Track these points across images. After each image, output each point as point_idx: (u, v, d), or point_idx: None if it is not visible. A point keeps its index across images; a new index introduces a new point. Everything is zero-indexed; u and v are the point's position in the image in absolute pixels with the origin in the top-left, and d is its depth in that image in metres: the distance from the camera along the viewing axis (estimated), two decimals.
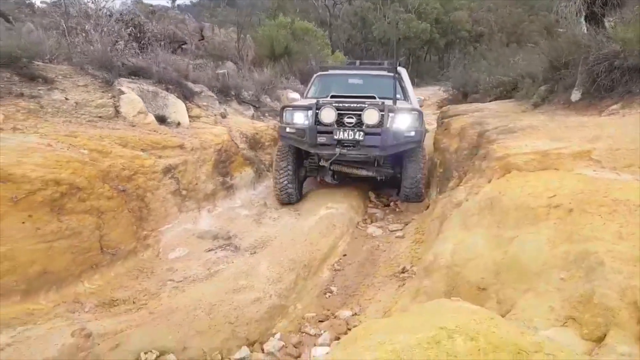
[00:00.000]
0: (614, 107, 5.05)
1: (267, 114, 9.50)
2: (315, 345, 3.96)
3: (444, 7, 37.95)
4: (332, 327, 4.19)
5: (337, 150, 5.90)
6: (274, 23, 15.62)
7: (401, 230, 6.02)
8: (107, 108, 5.86)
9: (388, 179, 6.96)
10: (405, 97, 7.10)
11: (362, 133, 5.85)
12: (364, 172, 6.60)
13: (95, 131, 5.28)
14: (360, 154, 5.99)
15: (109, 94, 6.06)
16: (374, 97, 6.48)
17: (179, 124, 6.82)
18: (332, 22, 37.53)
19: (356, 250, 5.62)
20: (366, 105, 5.92)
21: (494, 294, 3.21)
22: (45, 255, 3.98)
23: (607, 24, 7.29)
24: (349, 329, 4.14)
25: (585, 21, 7.57)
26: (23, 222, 3.87)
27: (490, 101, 11.38)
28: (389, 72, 7.40)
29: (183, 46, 11.89)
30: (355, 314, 4.40)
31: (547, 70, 7.32)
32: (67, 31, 7.80)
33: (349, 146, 5.92)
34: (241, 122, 8.00)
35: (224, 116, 8.00)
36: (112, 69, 6.76)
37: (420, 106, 7.32)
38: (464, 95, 15.83)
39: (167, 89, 7.32)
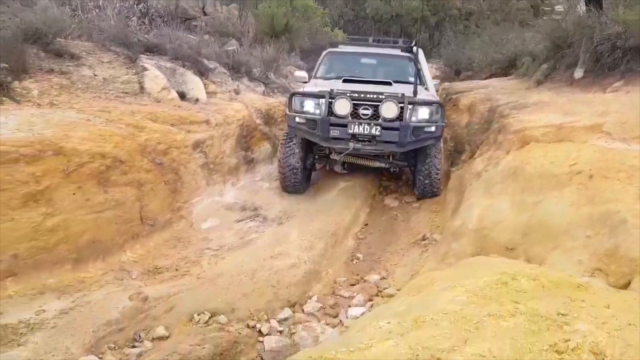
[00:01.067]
0: (617, 84, 5.28)
1: (275, 91, 9.58)
2: (350, 306, 4.19)
3: None
4: (364, 290, 4.42)
5: (351, 144, 5.38)
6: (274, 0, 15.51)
7: (417, 201, 6.24)
8: (133, 84, 5.93)
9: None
10: (422, 82, 6.33)
11: (379, 127, 5.30)
12: (376, 164, 6.10)
13: (125, 107, 5.37)
14: (376, 149, 5.55)
15: (133, 70, 6.12)
16: (389, 84, 5.98)
17: (197, 100, 6.90)
18: None
19: (376, 220, 5.85)
20: (384, 97, 5.34)
21: (523, 253, 3.46)
22: (94, 225, 4.13)
23: (604, 5, 7.48)
24: (380, 292, 4.40)
25: (586, 3, 7.74)
26: (74, 194, 4.00)
27: (485, 78, 11.59)
28: (403, 51, 7.22)
29: (193, 22, 11.82)
30: (384, 277, 4.64)
31: (550, 49, 7.50)
32: (80, 8, 7.77)
33: (364, 141, 5.39)
34: (254, 98, 8.09)
35: (237, 92, 8.09)
36: (130, 45, 6.78)
37: (437, 91, 6.86)
38: (456, 72, 15.99)
39: (183, 66, 7.36)
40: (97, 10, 7.91)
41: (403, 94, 5.41)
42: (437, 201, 5.88)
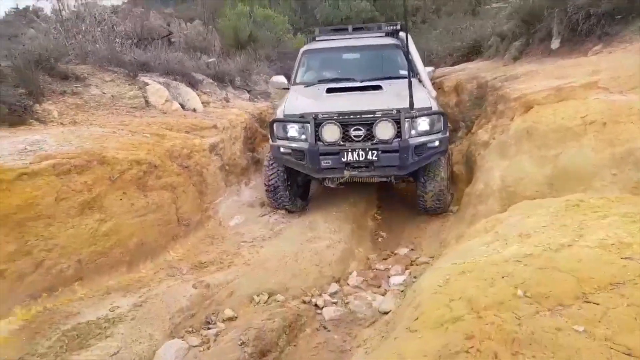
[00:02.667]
0: (596, 48, 5.91)
1: (259, 97, 9.92)
2: (389, 276, 4.59)
3: None
4: (398, 262, 4.83)
5: (347, 173, 4.91)
6: (235, 12, 15.86)
7: None
8: (139, 99, 6.18)
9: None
10: (414, 73, 5.62)
11: (375, 152, 4.79)
12: (376, 179, 5.27)
13: (139, 119, 5.63)
14: (374, 174, 5.01)
15: (136, 86, 6.37)
16: (379, 87, 5.45)
17: (195, 109, 7.18)
18: (274, 8, 37.65)
19: (388, 199, 6.28)
20: (378, 117, 4.79)
21: None
22: (140, 228, 4.39)
23: None
24: (413, 262, 4.81)
25: None
26: (120, 199, 4.26)
27: (451, 65, 12.28)
28: (388, 36, 6.71)
29: (172, 39, 12.03)
30: (412, 249, 5.07)
31: (520, 26, 8.11)
32: (64, 35, 7.93)
33: (361, 167, 4.90)
34: (244, 104, 8.42)
35: (227, 100, 8.40)
36: (123, 65, 7.02)
37: (430, 80, 6.21)
38: None
39: (175, 79, 7.63)
40: (79, 36, 8.07)
41: (399, 110, 4.79)
42: None
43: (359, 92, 5.42)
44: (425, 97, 5.16)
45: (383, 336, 2.92)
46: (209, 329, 3.63)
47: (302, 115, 5.02)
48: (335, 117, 4.85)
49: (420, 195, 5.39)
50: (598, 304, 1.76)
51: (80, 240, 3.85)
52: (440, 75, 8.30)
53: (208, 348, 3.34)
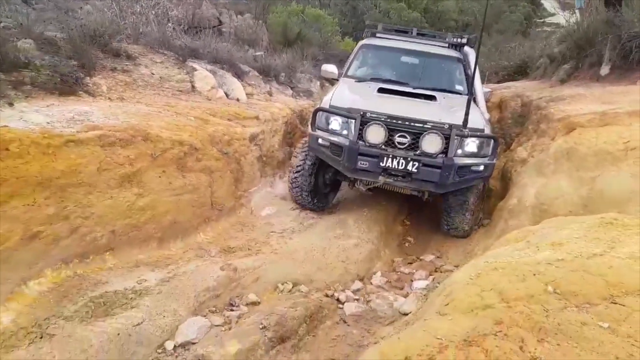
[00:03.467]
0: None
1: (301, 94, 10.02)
2: (412, 280, 4.56)
3: None
4: (422, 267, 4.82)
5: (381, 179, 4.70)
6: (286, 10, 16.07)
7: None
8: (186, 83, 6.33)
9: None
10: (470, 91, 5.14)
11: (417, 164, 4.57)
12: (408, 191, 5.05)
13: (184, 103, 5.76)
14: (409, 187, 4.81)
15: (184, 71, 6.53)
16: (433, 98, 5.24)
17: (238, 99, 7.30)
18: (325, 9, 37.94)
19: (418, 207, 6.23)
20: (428, 128, 4.59)
21: None
22: (175, 207, 4.50)
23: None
24: (437, 269, 4.78)
25: (605, 4, 8.27)
26: (159, 177, 4.37)
27: (496, 83, 12.15)
28: (451, 48, 6.54)
29: (223, 29, 12.30)
30: (438, 257, 5.05)
31: (571, 50, 7.96)
32: (119, 14, 8.19)
33: (397, 175, 4.69)
34: (286, 100, 8.50)
35: (270, 94, 8.50)
36: (173, 49, 7.21)
37: (487, 101, 5.95)
38: None
39: (222, 68, 7.78)
40: (134, 17, 8.33)
41: (450, 126, 4.59)
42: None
43: (412, 98, 5.19)
44: (479, 118, 4.95)
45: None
46: (232, 310, 3.69)
47: (349, 110, 4.82)
48: (383, 119, 4.66)
49: (444, 214, 5.26)
50: (624, 306, 1.85)
51: (116, 211, 3.96)
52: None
53: (230, 328, 3.40)
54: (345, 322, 3.81)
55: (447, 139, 4.57)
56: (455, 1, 40.15)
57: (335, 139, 4.80)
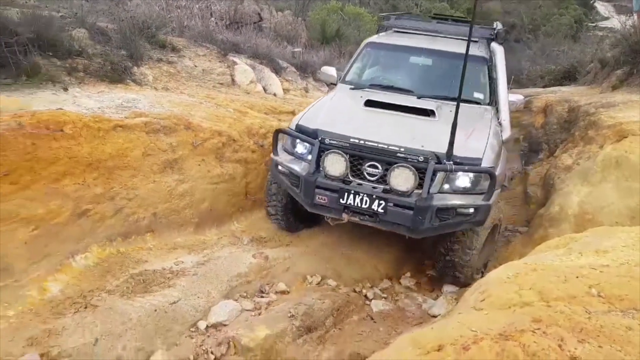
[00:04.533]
0: None
1: None
2: (444, 284, 4.63)
3: None
4: None
5: (345, 216, 3.88)
6: (326, 7, 16.26)
7: None
8: (226, 76, 6.58)
9: None
10: (491, 99, 4.63)
11: (383, 203, 3.71)
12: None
13: (224, 95, 6.00)
14: (380, 227, 3.94)
15: (225, 64, 6.78)
16: (430, 113, 4.26)
17: (275, 94, 7.51)
18: (364, 7, 38.03)
19: None
20: (398, 160, 3.71)
21: None
22: (212, 195, 4.72)
23: None
24: None
25: None
26: (199, 165, 4.60)
27: (542, 87, 12.00)
28: (476, 42, 5.26)
29: (263, 25, 12.59)
30: None
31: (626, 54, 7.79)
32: (165, 7, 8.52)
33: (362, 214, 3.85)
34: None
35: (306, 90, 8.69)
36: (215, 43, 7.47)
37: (516, 110, 5.20)
38: None
39: (261, 63, 8.01)
40: (179, 11, 8.65)
41: (427, 157, 3.68)
42: (514, 194, 6.27)
43: (404, 113, 4.26)
44: (479, 144, 3.91)
45: None
46: (262, 297, 3.87)
47: (315, 131, 4.04)
48: (344, 146, 3.85)
49: (438, 255, 4.43)
50: None
51: (158, 195, 4.21)
52: (529, 95, 8.16)
53: (259, 314, 3.58)
54: (372, 318, 3.93)
55: (423, 178, 3.66)
56: (501, 2, 39.65)
57: (294, 166, 4.07)
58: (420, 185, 3.67)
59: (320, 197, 3.89)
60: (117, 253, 3.92)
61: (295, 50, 10.38)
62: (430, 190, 3.68)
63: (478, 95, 4.80)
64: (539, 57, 16.04)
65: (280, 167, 4.20)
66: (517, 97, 4.94)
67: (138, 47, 5.74)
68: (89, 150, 3.77)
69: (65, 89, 4.35)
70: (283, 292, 3.98)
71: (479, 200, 3.75)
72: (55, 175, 3.53)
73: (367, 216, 3.85)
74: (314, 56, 11.44)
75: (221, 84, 6.43)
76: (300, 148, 4.18)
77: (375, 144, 3.82)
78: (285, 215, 4.73)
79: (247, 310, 3.64)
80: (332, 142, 3.91)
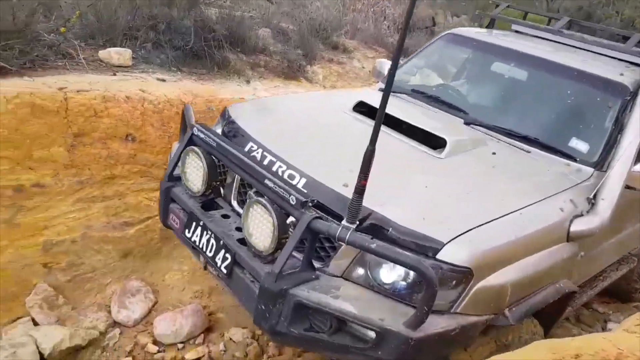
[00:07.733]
0: None
1: None
2: (606, 321, 4.34)
3: None
4: (620, 309, 4.54)
5: (202, 259, 2.48)
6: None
7: None
8: None
9: None
10: (601, 159, 2.78)
11: (228, 260, 2.26)
12: None
13: None
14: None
15: None
16: (442, 142, 2.59)
17: None
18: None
19: None
20: (265, 191, 2.16)
21: None
22: None
23: None
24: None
25: None
26: None
27: None
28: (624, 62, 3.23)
29: (436, 29, 12.80)
30: None
31: None
32: (342, 11, 9.10)
33: (212, 266, 2.39)
34: None
35: None
36: (385, 46, 7.80)
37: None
38: None
39: None
40: (354, 14, 9.17)
41: (304, 203, 1.99)
42: None
43: (400, 135, 2.68)
44: (474, 215, 2.11)
45: None
46: None
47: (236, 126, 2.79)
48: (210, 144, 2.45)
49: None
50: None
51: None
52: None
53: None
54: None
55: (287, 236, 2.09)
56: None
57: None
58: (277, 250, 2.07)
59: (173, 217, 2.67)
60: None
61: None
62: (302, 265, 2.06)
63: (580, 146, 2.86)
64: None
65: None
66: None
67: (313, 48, 6.29)
68: None
69: (248, 82, 5.00)
70: None
71: (400, 320, 1.88)
72: None
73: (217, 269, 2.35)
74: None
75: None
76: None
77: (248, 156, 2.33)
78: None
79: None
80: (199, 134, 2.50)
